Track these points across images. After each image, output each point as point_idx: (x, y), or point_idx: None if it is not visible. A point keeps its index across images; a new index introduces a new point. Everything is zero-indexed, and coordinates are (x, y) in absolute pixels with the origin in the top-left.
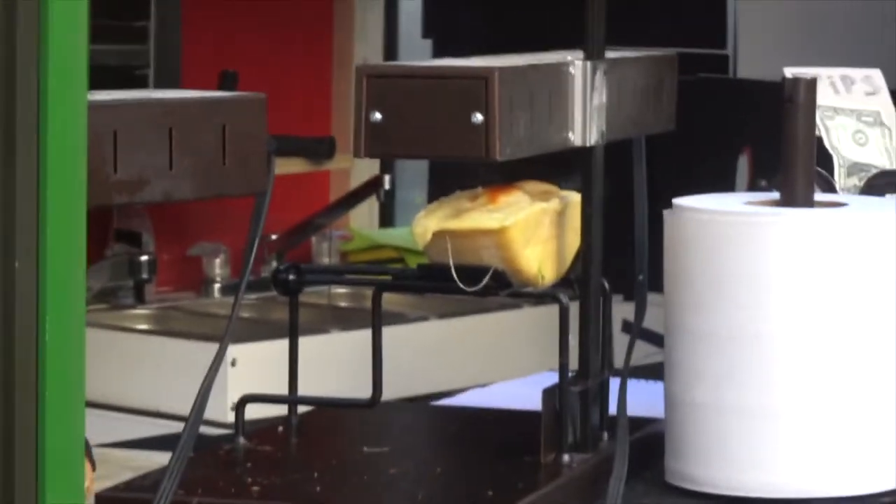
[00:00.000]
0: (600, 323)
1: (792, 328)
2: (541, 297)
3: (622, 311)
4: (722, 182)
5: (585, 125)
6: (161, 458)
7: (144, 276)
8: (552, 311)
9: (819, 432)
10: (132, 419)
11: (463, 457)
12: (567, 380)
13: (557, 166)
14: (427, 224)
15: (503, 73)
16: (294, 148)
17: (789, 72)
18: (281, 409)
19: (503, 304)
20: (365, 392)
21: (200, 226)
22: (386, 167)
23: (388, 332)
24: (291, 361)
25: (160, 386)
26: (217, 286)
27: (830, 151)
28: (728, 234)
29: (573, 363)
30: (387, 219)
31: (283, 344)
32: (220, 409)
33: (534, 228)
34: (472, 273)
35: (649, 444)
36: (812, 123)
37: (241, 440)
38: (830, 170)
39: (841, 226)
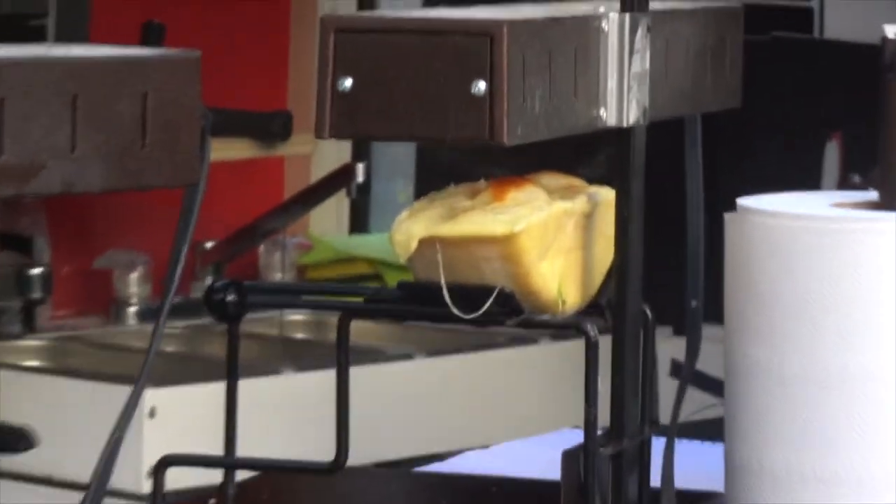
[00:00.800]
0: (639, 363)
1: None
2: (561, 329)
3: (671, 348)
4: (803, 177)
5: (622, 99)
6: None
7: (36, 294)
8: (577, 347)
9: None
10: (17, 488)
11: None
12: (595, 439)
13: (585, 154)
14: (411, 229)
15: (514, 28)
16: (239, 125)
17: (891, 30)
18: (214, 476)
19: (513, 338)
20: (327, 453)
21: (112, 228)
22: (360, 152)
23: (359, 373)
24: (229, 412)
25: (54, 443)
26: (132, 310)
27: None
28: (810, 245)
29: (603, 417)
30: (359, 222)
31: (219, 388)
32: (134, 475)
33: (552, 236)
34: (470, 295)
35: None
36: None
37: None
38: None
39: None
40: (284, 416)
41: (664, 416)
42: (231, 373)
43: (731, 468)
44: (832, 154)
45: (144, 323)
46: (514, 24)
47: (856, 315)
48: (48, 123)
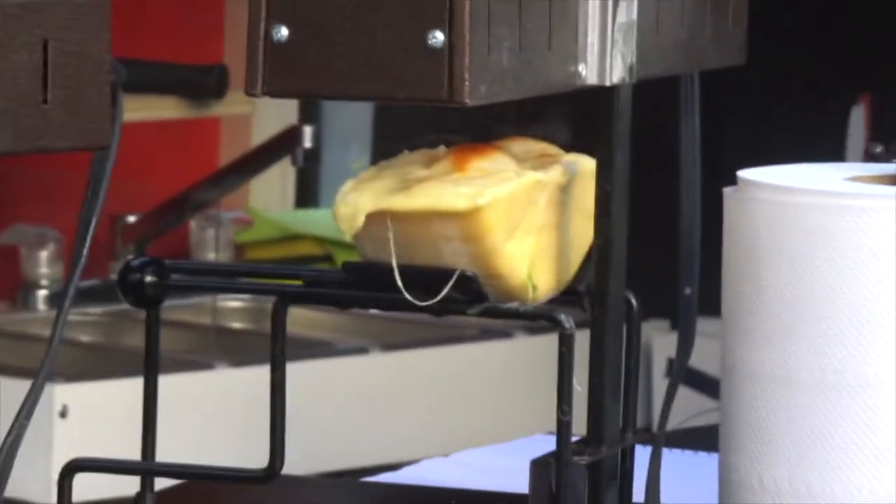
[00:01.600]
0: (621, 360)
1: None
2: (531, 319)
3: (668, 345)
4: (825, 148)
5: (605, 54)
6: None
7: None
8: (551, 341)
9: None
10: None
11: None
12: (569, 446)
13: (559, 117)
14: (358, 201)
15: None
16: (167, 81)
17: None
18: (131, 484)
19: (483, 332)
20: (266, 460)
21: (18, 200)
22: (307, 114)
23: (305, 369)
24: (147, 410)
25: None
26: (42, 293)
27: None
28: (821, 227)
29: (578, 421)
30: (307, 195)
31: (141, 384)
32: (42, 482)
33: (522, 211)
34: (426, 278)
35: None
36: None
37: None
38: None
39: None
40: (217, 416)
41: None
42: (150, 365)
43: (726, 483)
44: (858, 120)
45: (56, 308)
46: None
47: (876, 311)
48: None
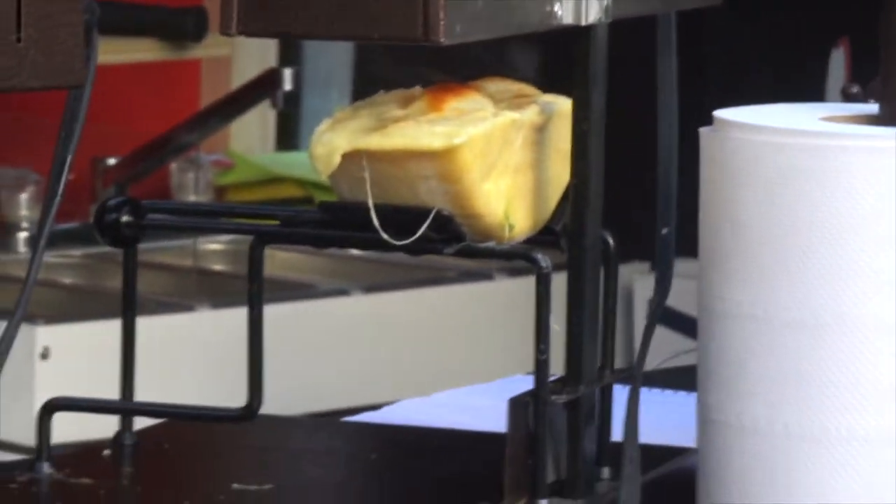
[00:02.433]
0: (598, 299)
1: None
2: (507, 258)
3: (646, 286)
4: (805, 89)
5: None
6: None
7: None
8: (531, 282)
9: None
10: None
11: (387, 502)
12: (546, 385)
13: (535, 56)
14: (334, 141)
15: None
16: (144, 22)
17: None
18: (111, 423)
19: (464, 273)
20: (243, 400)
21: None
22: (287, 56)
23: (286, 311)
24: (125, 350)
25: None
26: (23, 235)
27: None
28: (795, 165)
29: (557, 362)
30: (287, 137)
31: (119, 326)
32: (24, 423)
33: (498, 151)
34: (402, 218)
35: (674, 485)
36: None
37: (46, 468)
38: None
39: None
40: (199, 358)
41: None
42: (127, 305)
43: (703, 423)
44: (838, 63)
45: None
46: None
47: (853, 250)
48: None
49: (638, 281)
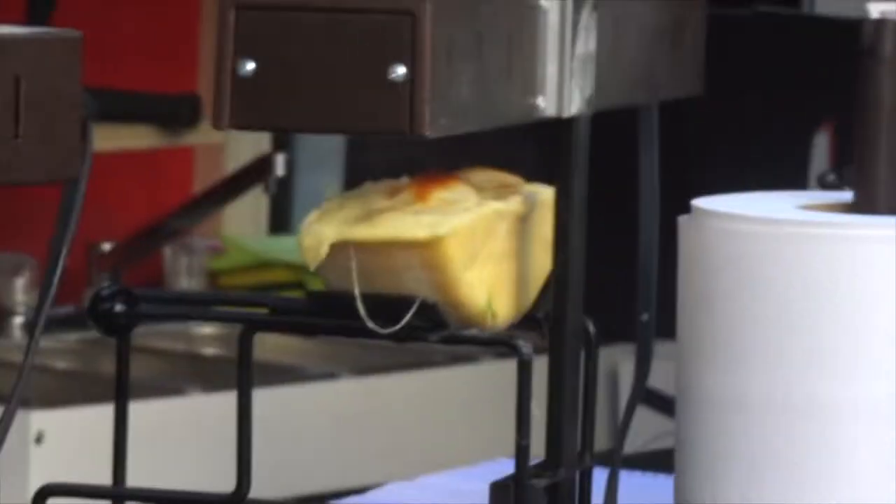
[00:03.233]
0: (578, 385)
1: (873, 396)
2: (490, 345)
3: (631, 368)
4: (789, 175)
5: (563, 86)
6: None
7: None
8: (515, 365)
9: None
10: None
11: None
12: (526, 469)
13: (520, 148)
14: (322, 232)
15: (438, 5)
16: (138, 110)
17: (876, 9)
18: None
19: (452, 357)
20: (233, 485)
21: None
22: (280, 142)
23: (275, 394)
24: (118, 435)
25: None
26: (18, 320)
27: None
28: (772, 254)
29: (538, 446)
30: (279, 222)
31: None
32: None
33: (482, 240)
34: (388, 306)
35: None
36: None
37: None
38: None
39: None
40: (189, 442)
41: (625, 447)
42: (120, 392)
43: None
44: (822, 147)
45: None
46: (438, 0)
47: (825, 335)
48: None
49: (622, 363)
